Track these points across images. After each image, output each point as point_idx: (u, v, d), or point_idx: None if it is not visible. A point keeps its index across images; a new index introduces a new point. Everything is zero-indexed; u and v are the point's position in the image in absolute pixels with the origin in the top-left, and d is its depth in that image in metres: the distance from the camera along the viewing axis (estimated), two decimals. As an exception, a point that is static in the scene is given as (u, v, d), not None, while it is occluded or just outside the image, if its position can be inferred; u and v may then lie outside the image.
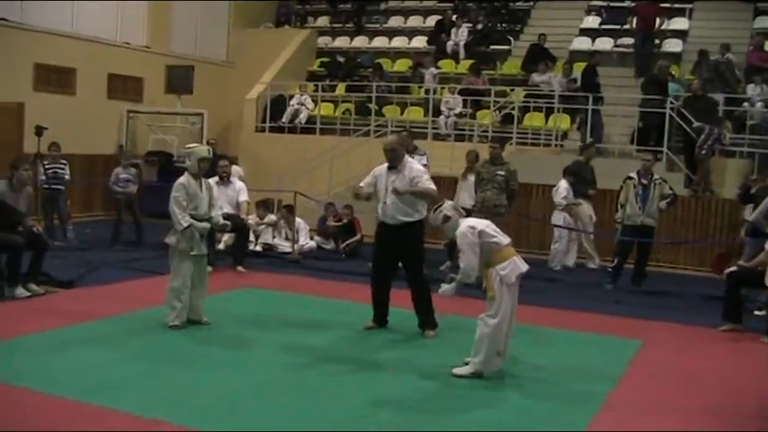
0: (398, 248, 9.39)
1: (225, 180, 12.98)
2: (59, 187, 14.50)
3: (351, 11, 25.45)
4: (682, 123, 16.23)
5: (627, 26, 20.77)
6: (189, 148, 9.72)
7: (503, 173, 12.33)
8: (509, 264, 7.80)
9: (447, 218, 8.00)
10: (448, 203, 8.22)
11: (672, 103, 16.31)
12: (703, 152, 15.55)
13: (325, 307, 10.60)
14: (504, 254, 7.85)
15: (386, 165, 9.35)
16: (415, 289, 9.51)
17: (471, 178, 13.44)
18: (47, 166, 14.24)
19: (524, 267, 7.92)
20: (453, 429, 6.40)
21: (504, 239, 7.95)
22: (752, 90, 17.77)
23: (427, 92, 20.08)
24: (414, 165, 9.47)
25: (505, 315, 7.77)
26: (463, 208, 13.16)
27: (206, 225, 9.46)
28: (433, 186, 9.31)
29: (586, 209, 14.91)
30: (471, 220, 8.17)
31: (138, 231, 14.98)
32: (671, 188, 13.11)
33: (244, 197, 13.17)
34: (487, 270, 7.83)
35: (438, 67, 21.14)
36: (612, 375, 8.01)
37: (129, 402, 6.52)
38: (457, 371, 7.78)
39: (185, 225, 9.23)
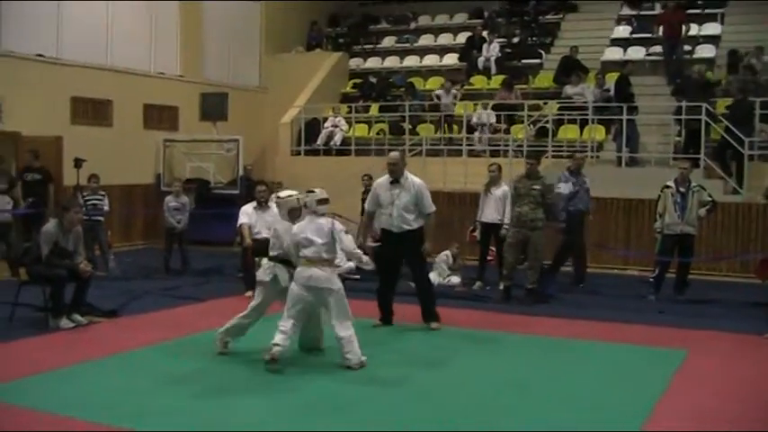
0: (402, 252, 10.38)
1: (263, 205, 12.96)
2: (99, 218, 14.68)
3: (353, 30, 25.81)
4: (719, 130, 16.13)
5: (657, 35, 20.70)
6: (280, 198, 9.39)
7: (538, 187, 12.27)
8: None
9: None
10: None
11: (711, 109, 16.22)
12: None
13: (365, 327, 10.56)
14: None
15: (385, 178, 10.42)
16: (421, 285, 10.55)
17: (496, 192, 13.40)
18: (86, 198, 14.40)
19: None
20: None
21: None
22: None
23: (448, 114, 20.03)
24: (415, 179, 10.34)
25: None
26: (489, 223, 13.29)
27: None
28: (432, 208, 10.33)
29: None
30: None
31: (185, 260, 15.09)
32: (710, 195, 12.98)
33: (281, 223, 13.17)
34: None
35: (457, 85, 21.08)
36: (659, 386, 7.93)
37: (175, 428, 6.56)
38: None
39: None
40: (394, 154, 10.61)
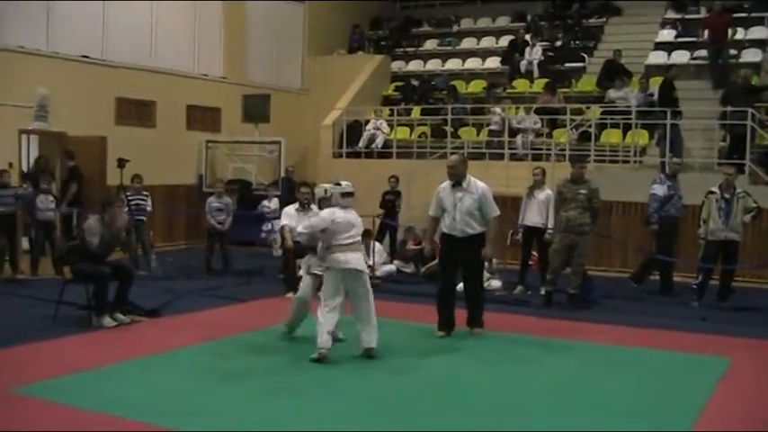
0: (463, 256, 10.18)
1: (306, 207, 12.92)
2: (142, 218, 14.83)
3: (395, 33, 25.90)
4: (765, 135, 15.95)
5: (702, 38, 20.51)
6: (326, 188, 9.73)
7: (585, 191, 12.17)
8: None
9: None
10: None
11: (757, 114, 16.05)
12: None
13: (404, 330, 10.54)
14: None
15: (447, 182, 10.24)
16: (472, 290, 10.38)
17: (540, 196, 13.30)
18: (129, 198, 14.54)
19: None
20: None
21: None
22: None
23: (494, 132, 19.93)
24: (479, 183, 10.17)
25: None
26: (532, 227, 13.20)
27: None
28: (496, 212, 10.17)
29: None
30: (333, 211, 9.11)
31: (226, 260, 15.17)
32: (755, 201, 12.82)
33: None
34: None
35: (504, 103, 21.00)
36: (703, 393, 7.83)
37: (222, 428, 6.60)
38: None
39: None
40: (453, 157, 10.60)
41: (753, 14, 21.36)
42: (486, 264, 14.04)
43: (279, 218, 14.47)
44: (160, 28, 19.60)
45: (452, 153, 18.31)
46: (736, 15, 20.80)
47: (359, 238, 9.19)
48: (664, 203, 13.35)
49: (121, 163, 14.38)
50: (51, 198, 14.29)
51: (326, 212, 9.12)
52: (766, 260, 14.45)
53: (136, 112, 18.91)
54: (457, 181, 10.13)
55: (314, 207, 12.76)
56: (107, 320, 10.23)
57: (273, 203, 15.30)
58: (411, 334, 10.33)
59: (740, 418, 7.19)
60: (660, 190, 13.40)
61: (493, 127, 19.73)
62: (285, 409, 7.20)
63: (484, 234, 10.12)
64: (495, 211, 10.13)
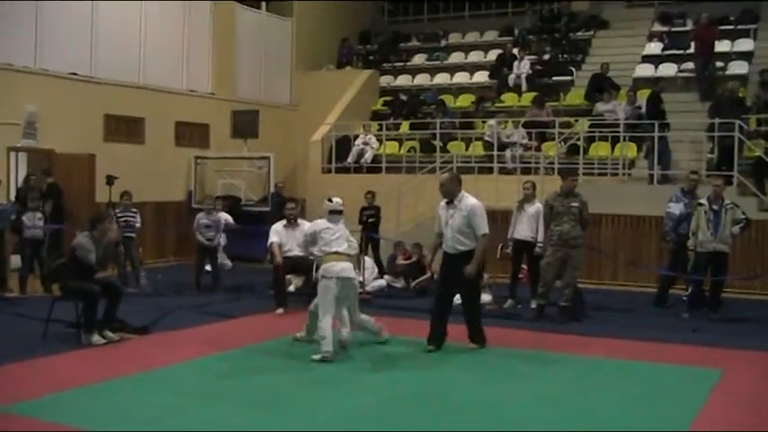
0: (456, 273, 10.06)
1: (292, 222, 13.07)
2: (131, 235, 14.77)
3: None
4: (752, 147, 16.01)
5: (689, 51, 20.62)
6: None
7: (577, 204, 12.18)
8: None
9: None
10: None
11: (745, 126, 16.11)
12: None
13: (395, 344, 10.51)
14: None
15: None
16: (467, 307, 10.41)
17: (530, 210, 13.28)
18: (118, 215, 14.48)
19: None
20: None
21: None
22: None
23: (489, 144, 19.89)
24: (469, 200, 10.16)
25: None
26: (522, 240, 13.20)
27: None
28: (484, 229, 10.05)
29: None
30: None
31: (216, 277, 15.13)
32: (743, 212, 12.86)
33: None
34: None
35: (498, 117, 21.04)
36: (695, 405, 7.83)
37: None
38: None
39: None
40: (444, 175, 10.69)
41: (739, 27, 21.52)
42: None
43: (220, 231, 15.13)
44: (149, 45, 19.60)
45: (442, 167, 18.44)
46: (722, 28, 20.93)
47: (349, 250, 9.97)
48: (680, 221, 13.18)
49: (110, 180, 14.37)
50: (39, 215, 14.24)
51: (310, 224, 9.91)
52: (756, 271, 14.49)
53: (125, 128, 18.89)
54: (449, 199, 10.19)
55: (301, 223, 12.96)
56: (96, 338, 10.18)
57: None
58: (402, 349, 10.31)
59: (732, 429, 7.18)
60: (676, 208, 13.29)
61: (488, 139, 19.72)
62: (277, 424, 7.16)
63: (473, 252, 10.09)
64: (482, 228, 10.03)
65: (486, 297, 13.64)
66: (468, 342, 10.33)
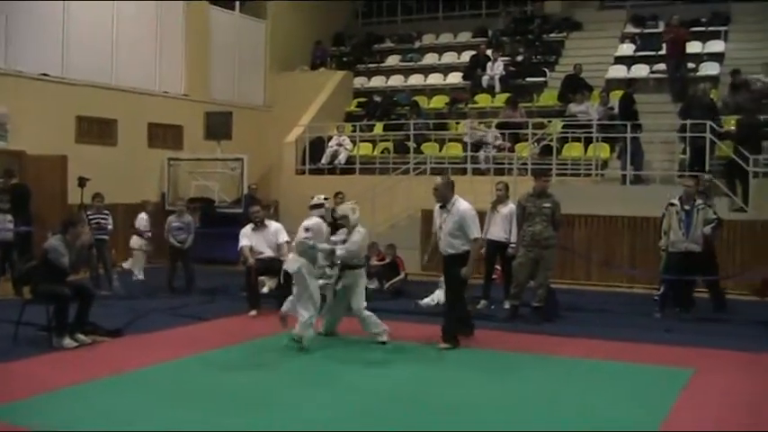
0: (446, 274, 10.54)
1: (259, 225, 13.14)
2: (104, 237, 14.64)
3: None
4: (724, 148, 16.12)
5: (661, 52, 20.76)
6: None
7: (549, 205, 12.21)
8: None
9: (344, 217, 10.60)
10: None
11: (716, 126, 16.22)
12: None
13: (364, 345, 10.52)
14: None
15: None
16: (448, 306, 10.66)
17: (503, 211, 13.26)
18: (90, 217, 14.37)
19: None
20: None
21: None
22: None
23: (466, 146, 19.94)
24: (461, 205, 10.36)
25: None
26: (496, 241, 13.22)
27: None
28: (475, 234, 10.31)
29: None
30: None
31: (189, 279, 15.07)
32: (715, 213, 12.94)
33: (283, 238, 13.11)
34: None
35: (471, 110, 21.12)
36: (665, 405, 7.86)
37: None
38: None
39: None
40: (437, 180, 10.80)
41: (710, 29, 21.70)
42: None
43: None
44: (121, 45, 19.49)
45: (415, 168, 18.49)
46: (693, 30, 21.10)
47: (304, 239, 10.28)
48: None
49: (82, 182, 14.23)
50: (10, 218, 14.12)
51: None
52: (727, 271, 14.57)
53: (97, 130, 18.77)
54: (442, 203, 10.46)
55: (269, 224, 13.09)
56: (67, 341, 10.10)
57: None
58: (373, 349, 10.32)
59: (703, 428, 7.21)
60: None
61: (466, 139, 19.76)
62: (250, 426, 7.12)
63: (465, 254, 10.26)
64: (473, 232, 10.26)
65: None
66: (440, 341, 10.37)
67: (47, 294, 10.24)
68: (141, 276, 15.81)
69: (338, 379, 8.91)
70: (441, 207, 10.50)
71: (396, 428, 7.11)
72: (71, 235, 10.49)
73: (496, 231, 13.36)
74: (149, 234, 15.75)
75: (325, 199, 10.80)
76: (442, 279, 13.58)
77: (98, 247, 14.40)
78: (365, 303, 10.60)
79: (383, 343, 10.40)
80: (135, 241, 15.94)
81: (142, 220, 15.82)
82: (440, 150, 20.43)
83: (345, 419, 7.40)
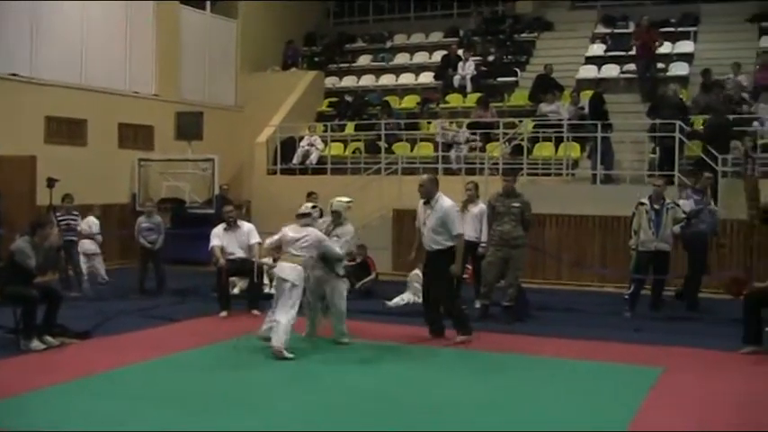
0: (429, 270, 10.81)
1: (232, 225, 13.09)
2: (73, 238, 14.54)
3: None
4: (693, 147, 16.22)
5: (631, 53, 20.89)
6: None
7: (518, 205, 12.25)
8: None
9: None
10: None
11: (686, 127, 16.34)
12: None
13: (342, 348, 10.54)
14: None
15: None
16: (435, 300, 10.89)
17: (474, 210, 13.24)
18: (60, 218, 14.26)
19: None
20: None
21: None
22: (762, 110, 17.75)
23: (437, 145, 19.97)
24: (444, 202, 10.64)
25: None
26: (466, 241, 13.22)
27: None
28: (457, 230, 10.60)
29: None
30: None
31: (160, 280, 14.98)
32: (684, 212, 13.03)
33: (255, 239, 13.07)
34: None
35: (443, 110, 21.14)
36: (634, 404, 7.91)
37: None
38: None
39: None
40: (423, 176, 11.12)
41: (680, 29, 21.86)
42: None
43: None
44: (91, 45, 19.32)
45: (387, 168, 18.49)
46: (663, 30, 21.25)
47: (300, 252, 10.08)
48: (690, 217, 13.16)
49: (51, 182, 14.12)
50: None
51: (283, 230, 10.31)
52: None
53: (66, 130, 18.61)
54: (426, 199, 10.68)
55: (241, 225, 13.06)
56: (35, 344, 10.03)
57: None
58: (342, 349, 10.36)
59: (671, 427, 7.26)
60: (687, 205, 13.26)
61: (438, 139, 19.80)
62: (222, 427, 7.13)
63: (449, 250, 10.57)
64: (455, 229, 10.57)
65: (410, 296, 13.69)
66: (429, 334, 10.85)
67: (14, 296, 10.18)
68: (106, 277, 15.57)
69: (313, 379, 8.91)
70: (425, 203, 10.71)
71: (373, 428, 7.12)
72: (39, 237, 10.42)
73: (467, 231, 13.28)
74: (100, 237, 15.49)
75: (313, 208, 10.69)
76: (409, 279, 13.71)
77: (67, 248, 14.30)
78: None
79: (345, 344, 10.50)
80: (88, 245, 15.45)
81: (92, 222, 15.51)
82: (411, 150, 20.42)
83: (320, 419, 7.42)
